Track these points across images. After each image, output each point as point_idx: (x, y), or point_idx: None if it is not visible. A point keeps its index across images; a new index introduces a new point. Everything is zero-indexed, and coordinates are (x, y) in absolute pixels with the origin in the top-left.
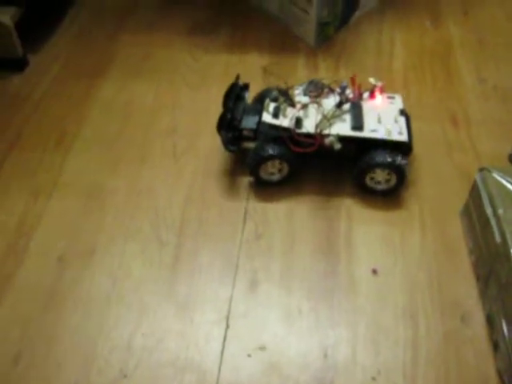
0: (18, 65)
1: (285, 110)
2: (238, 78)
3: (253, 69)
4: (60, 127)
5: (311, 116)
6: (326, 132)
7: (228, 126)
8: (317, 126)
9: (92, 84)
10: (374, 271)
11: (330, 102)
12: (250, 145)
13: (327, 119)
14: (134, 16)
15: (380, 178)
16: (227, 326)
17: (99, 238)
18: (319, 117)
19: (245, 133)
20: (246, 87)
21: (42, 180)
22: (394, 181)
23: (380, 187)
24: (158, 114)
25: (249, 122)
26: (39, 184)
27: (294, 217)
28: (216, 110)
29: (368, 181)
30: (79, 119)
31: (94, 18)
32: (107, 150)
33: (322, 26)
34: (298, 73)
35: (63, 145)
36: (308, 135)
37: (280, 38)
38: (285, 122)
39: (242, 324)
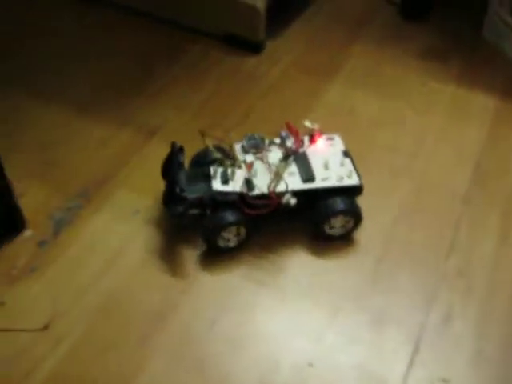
0: (256, 47)
1: (233, 173)
2: (173, 144)
3: (477, 108)
4: (283, 118)
5: (259, 174)
6: (279, 190)
7: (175, 199)
8: (269, 186)
9: (319, 84)
10: None
11: (273, 155)
12: (194, 211)
13: (279, 176)
14: (368, 28)
15: (338, 225)
16: (415, 350)
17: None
18: (268, 174)
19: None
20: (181, 150)
21: None
22: (351, 224)
23: (338, 232)
24: (380, 127)
25: (195, 191)
26: None
27: None
28: (436, 137)
29: (327, 229)
30: (303, 114)
31: (329, 20)
32: None
33: None
34: None
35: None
36: (262, 196)
37: None
38: (236, 186)
39: (430, 352)
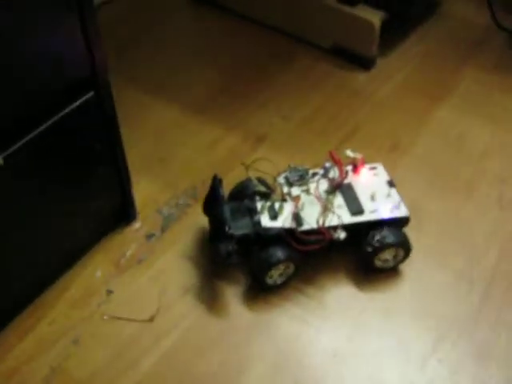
0: (367, 63)
1: (281, 208)
2: (215, 178)
3: None
4: (393, 136)
5: (307, 208)
6: (329, 224)
7: (222, 237)
8: (318, 220)
9: (430, 105)
10: None
11: (318, 186)
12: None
13: (328, 210)
14: (481, 51)
15: (388, 257)
16: None
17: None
18: (315, 208)
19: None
20: (220, 183)
21: None
22: (401, 255)
23: (388, 265)
24: (490, 157)
25: (241, 227)
26: None
27: None
28: None
29: (377, 262)
30: (412, 135)
31: (442, 41)
32: (433, 174)
33: None
34: None
35: (394, 154)
36: (311, 231)
37: None
38: (286, 222)
39: None
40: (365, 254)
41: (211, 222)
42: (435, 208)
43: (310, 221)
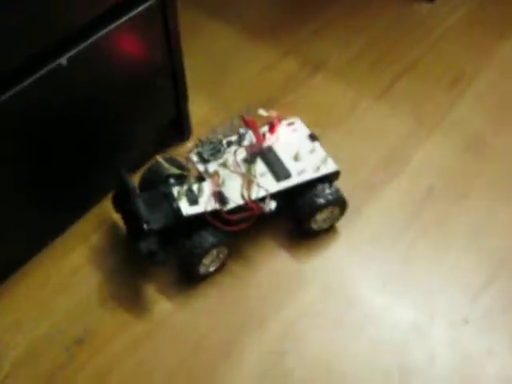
0: None
1: (200, 190)
2: (121, 171)
3: None
4: (456, 70)
5: (228, 184)
6: (254, 196)
7: (142, 234)
8: (243, 194)
9: (494, 40)
10: None
11: (235, 157)
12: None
13: (252, 181)
14: None
15: (324, 217)
16: None
17: (474, 182)
18: (237, 181)
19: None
20: (128, 174)
21: (427, 112)
22: (336, 213)
23: (325, 225)
24: None
25: (160, 218)
26: (424, 114)
27: None
28: None
29: (312, 225)
30: (475, 69)
31: None
32: (496, 110)
33: None
34: None
35: (456, 88)
36: (239, 209)
37: None
38: (208, 204)
39: None
40: (298, 220)
41: (125, 219)
42: (499, 143)
43: (235, 197)
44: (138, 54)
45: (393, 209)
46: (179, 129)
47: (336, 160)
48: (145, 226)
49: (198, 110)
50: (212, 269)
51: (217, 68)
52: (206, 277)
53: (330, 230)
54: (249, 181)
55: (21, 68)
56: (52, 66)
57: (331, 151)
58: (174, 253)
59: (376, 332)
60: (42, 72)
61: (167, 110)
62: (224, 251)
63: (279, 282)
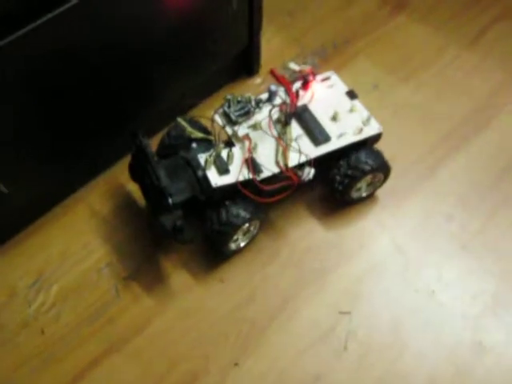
0: None
1: (230, 156)
2: (136, 135)
3: None
4: None
5: (261, 148)
6: (292, 163)
7: (166, 208)
8: (278, 161)
9: None
10: None
11: (264, 117)
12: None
13: (290, 146)
14: None
15: (365, 184)
16: None
17: None
18: (271, 146)
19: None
20: (145, 137)
21: None
22: (380, 180)
23: (365, 193)
24: None
25: (185, 189)
26: None
27: None
28: None
29: (353, 194)
30: None
31: None
32: None
33: None
34: None
35: None
36: (273, 177)
37: None
38: (240, 173)
39: None
40: (338, 188)
41: (144, 191)
42: None
43: (269, 165)
44: None
45: (476, 168)
46: (248, 61)
47: (416, 111)
48: (168, 199)
49: (270, 43)
50: (243, 244)
51: (292, 2)
52: (237, 252)
53: (369, 197)
54: (285, 145)
55: None
56: None
57: (405, 103)
58: (199, 225)
59: (449, 299)
60: None
61: (239, 39)
62: (256, 224)
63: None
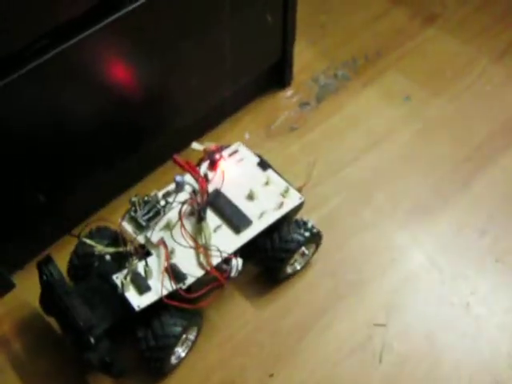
0: None
1: (147, 269)
2: (43, 263)
3: None
4: None
5: (179, 252)
6: (216, 261)
7: (88, 347)
8: (200, 263)
9: None
10: None
11: (180, 215)
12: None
13: (207, 244)
14: None
15: (297, 257)
16: None
17: None
18: (189, 246)
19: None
20: (51, 261)
21: None
22: (312, 249)
23: (299, 266)
24: None
25: (107, 315)
26: None
27: None
28: None
29: (288, 270)
30: None
31: None
32: None
33: None
34: None
35: None
36: (198, 282)
37: None
38: (163, 287)
39: None
40: (271, 268)
41: (62, 325)
42: None
43: (192, 268)
44: None
45: (507, 182)
46: (280, 74)
47: (448, 124)
48: (91, 339)
49: (302, 55)
50: (183, 354)
51: (325, 11)
52: (179, 363)
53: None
54: (202, 244)
55: None
56: None
57: (437, 115)
58: (132, 345)
59: (484, 312)
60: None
61: (272, 52)
62: (194, 331)
63: None
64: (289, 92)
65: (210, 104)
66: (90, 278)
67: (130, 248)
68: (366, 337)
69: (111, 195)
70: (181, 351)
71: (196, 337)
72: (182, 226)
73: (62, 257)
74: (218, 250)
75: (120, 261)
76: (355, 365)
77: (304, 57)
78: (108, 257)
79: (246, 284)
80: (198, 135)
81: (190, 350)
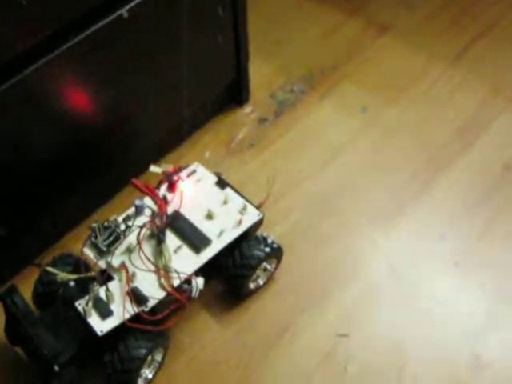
0: None
1: (109, 294)
2: (6, 295)
3: None
4: None
5: (140, 275)
6: (177, 282)
7: (51, 371)
8: (162, 285)
9: None
10: None
11: (140, 239)
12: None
13: (166, 266)
14: None
15: (259, 273)
16: None
17: None
18: (149, 269)
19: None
20: (15, 292)
21: (506, 81)
22: (274, 264)
23: (262, 281)
24: None
25: (71, 342)
26: (502, 83)
27: None
28: None
29: (251, 285)
30: None
31: None
32: None
33: None
34: None
35: None
36: (161, 304)
37: None
38: (125, 310)
39: None
40: (233, 286)
41: (28, 353)
42: None
43: (154, 290)
44: (201, 9)
45: (465, 185)
46: (237, 92)
47: (405, 131)
48: (55, 368)
49: (258, 72)
50: (150, 375)
51: (279, 28)
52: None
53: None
54: (161, 265)
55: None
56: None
57: (393, 124)
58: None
59: (446, 316)
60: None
61: (226, 71)
62: (160, 352)
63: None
64: (247, 109)
65: (169, 126)
66: (55, 305)
67: (92, 273)
68: (331, 348)
69: (74, 222)
70: (148, 373)
71: (163, 358)
72: (141, 249)
73: (28, 285)
74: (176, 272)
75: (84, 286)
76: (324, 376)
77: (261, 73)
78: (72, 283)
79: (211, 301)
80: (159, 157)
81: (158, 370)
